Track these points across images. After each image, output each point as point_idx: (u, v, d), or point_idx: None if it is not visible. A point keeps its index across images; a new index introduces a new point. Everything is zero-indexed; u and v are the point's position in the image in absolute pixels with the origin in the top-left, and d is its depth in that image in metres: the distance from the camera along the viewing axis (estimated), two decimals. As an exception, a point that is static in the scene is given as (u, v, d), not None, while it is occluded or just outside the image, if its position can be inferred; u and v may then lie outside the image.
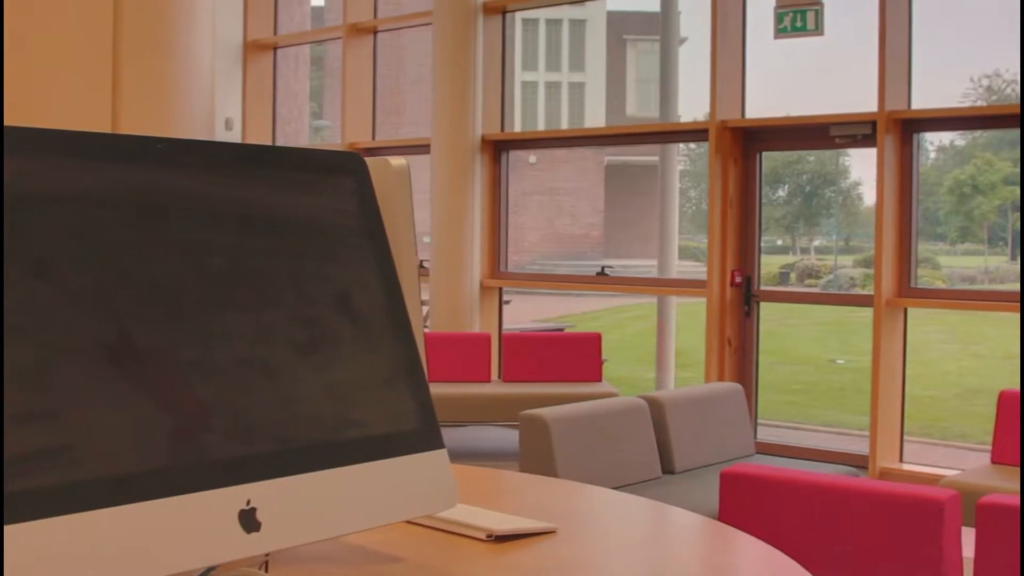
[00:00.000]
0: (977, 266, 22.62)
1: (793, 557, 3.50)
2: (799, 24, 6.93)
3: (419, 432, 1.26)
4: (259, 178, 1.25)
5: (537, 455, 4.40)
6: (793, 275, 23.10)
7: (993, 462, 5.08)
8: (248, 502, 1.10)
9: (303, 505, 1.14)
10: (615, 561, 1.50)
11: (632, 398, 4.93)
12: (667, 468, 4.86)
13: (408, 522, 1.57)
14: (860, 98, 6.91)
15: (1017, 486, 4.63)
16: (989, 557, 3.24)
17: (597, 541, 1.59)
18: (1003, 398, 5.14)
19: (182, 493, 1.06)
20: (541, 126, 27.93)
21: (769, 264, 24.02)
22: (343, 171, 1.31)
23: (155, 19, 3.85)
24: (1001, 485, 4.64)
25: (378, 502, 1.20)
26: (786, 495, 3.41)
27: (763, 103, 8.08)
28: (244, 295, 1.18)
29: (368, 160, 1.37)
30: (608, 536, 1.63)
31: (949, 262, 22.97)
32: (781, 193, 27.42)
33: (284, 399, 1.17)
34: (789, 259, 25.35)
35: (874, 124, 6.63)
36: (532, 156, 25.37)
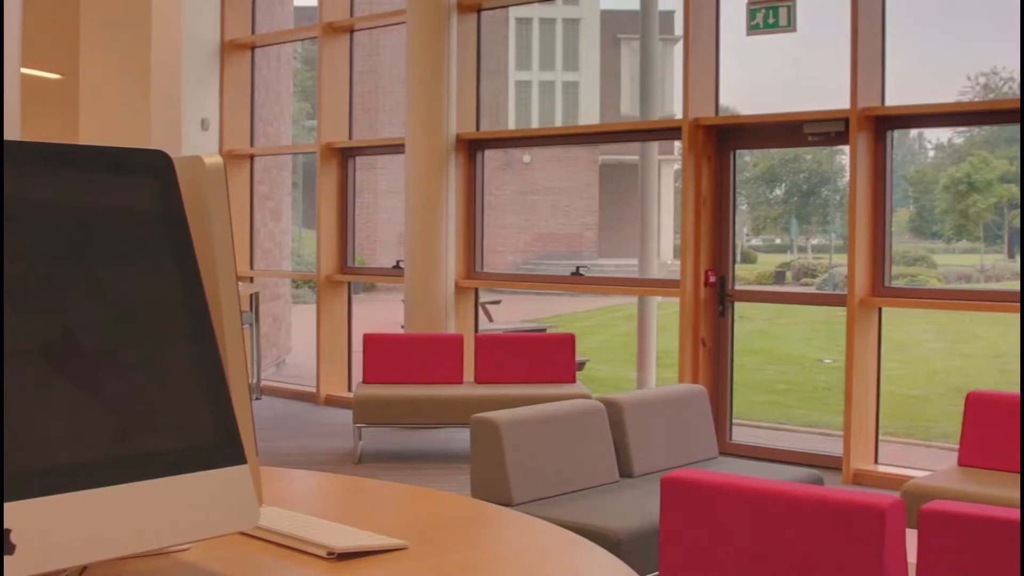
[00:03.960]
0: (973, 264, 22.52)
1: (734, 564, 3.42)
2: (771, 20, 6.85)
3: (215, 447, 1.19)
4: (53, 178, 1.17)
5: (488, 459, 4.32)
6: (789, 274, 23.02)
7: (960, 464, 4.99)
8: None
9: (70, 526, 1.07)
10: (462, 579, 1.42)
11: (590, 400, 4.85)
12: (625, 472, 4.77)
13: (244, 535, 1.50)
14: (834, 95, 6.84)
15: (982, 490, 4.55)
16: (932, 564, 3.17)
17: (448, 558, 1.51)
18: (970, 399, 5.05)
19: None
20: (535, 125, 27.84)
21: (766, 263, 23.93)
22: (145, 171, 1.24)
23: None
24: (965, 489, 4.56)
25: (158, 521, 1.13)
26: (726, 501, 3.33)
27: (739, 101, 8.01)
28: (25, 300, 1.11)
29: (180, 159, 1.30)
30: (462, 552, 1.55)
31: (946, 260, 22.86)
32: (778, 192, 27.34)
33: (62, 413, 1.10)
34: (786, 258, 25.27)
35: (847, 121, 6.55)
36: (526, 155, 25.28)
